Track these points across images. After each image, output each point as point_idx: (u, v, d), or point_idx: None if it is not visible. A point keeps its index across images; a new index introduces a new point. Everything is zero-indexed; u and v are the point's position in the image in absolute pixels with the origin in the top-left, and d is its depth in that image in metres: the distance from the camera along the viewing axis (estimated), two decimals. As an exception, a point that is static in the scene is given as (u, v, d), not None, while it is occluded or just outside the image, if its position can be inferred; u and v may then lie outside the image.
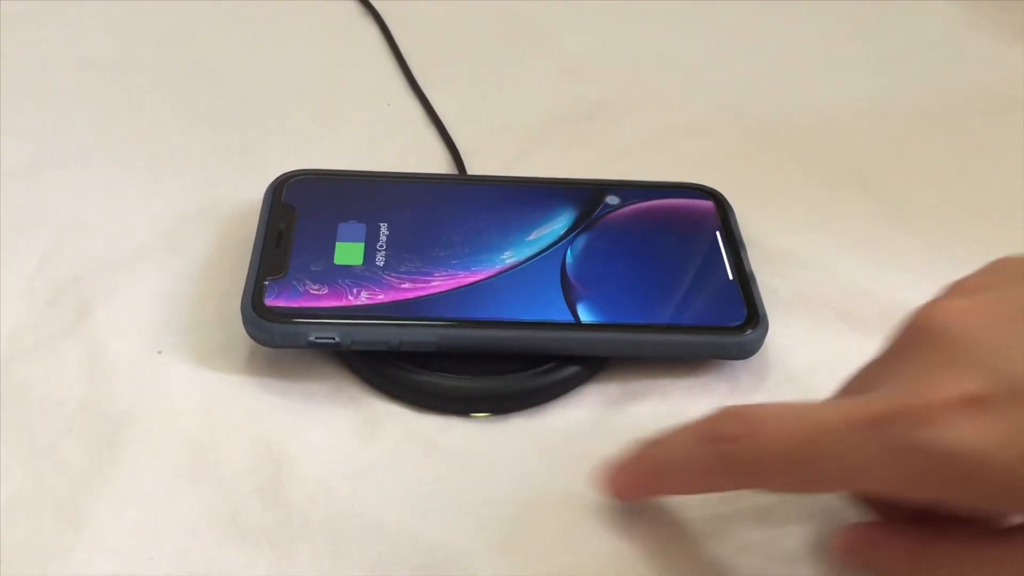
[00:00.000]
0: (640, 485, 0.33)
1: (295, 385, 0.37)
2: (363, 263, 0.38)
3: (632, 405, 0.37)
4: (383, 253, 0.38)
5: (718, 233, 0.41)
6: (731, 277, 0.39)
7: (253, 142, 0.47)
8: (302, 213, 0.40)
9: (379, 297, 0.37)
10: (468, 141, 0.48)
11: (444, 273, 0.38)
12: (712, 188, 0.43)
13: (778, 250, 0.43)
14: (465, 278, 0.38)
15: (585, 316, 0.37)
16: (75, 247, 0.41)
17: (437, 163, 0.47)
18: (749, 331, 0.37)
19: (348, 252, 0.38)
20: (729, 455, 0.29)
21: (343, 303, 0.36)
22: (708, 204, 0.42)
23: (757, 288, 0.39)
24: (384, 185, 0.42)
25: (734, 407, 0.30)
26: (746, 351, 0.38)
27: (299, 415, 0.36)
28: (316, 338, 0.36)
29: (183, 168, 0.46)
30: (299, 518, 0.33)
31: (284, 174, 0.42)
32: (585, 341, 0.37)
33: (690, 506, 0.34)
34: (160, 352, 0.37)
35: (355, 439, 0.35)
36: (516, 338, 0.37)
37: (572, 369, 0.37)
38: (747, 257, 0.40)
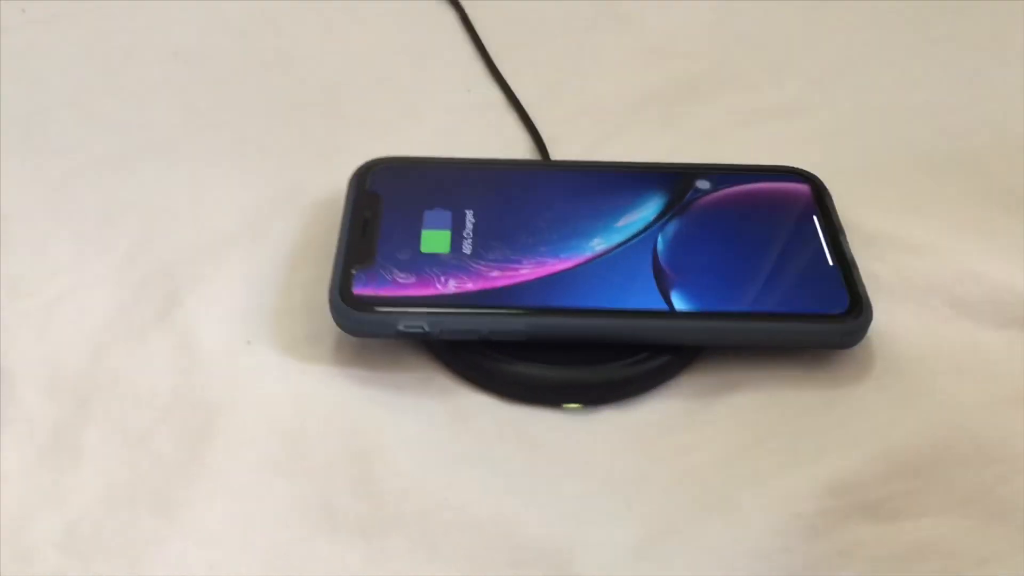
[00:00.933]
0: None
1: (383, 375, 0.36)
2: (450, 251, 0.37)
3: (729, 396, 0.36)
4: (470, 241, 0.38)
5: (815, 217, 0.39)
6: (831, 263, 0.38)
7: (335, 130, 0.47)
8: (387, 201, 0.39)
9: (467, 285, 0.36)
10: (550, 126, 0.47)
11: (532, 261, 0.37)
12: (808, 171, 0.41)
13: (878, 234, 0.41)
14: (554, 265, 0.37)
15: (679, 304, 0.36)
16: (163, 237, 0.41)
17: (519, 149, 0.46)
18: (852, 319, 0.36)
19: (435, 240, 0.38)
20: None
21: (431, 292, 0.36)
22: (804, 188, 0.41)
23: (859, 274, 0.37)
24: (469, 172, 0.41)
25: None
26: (849, 340, 0.36)
27: (388, 406, 0.35)
28: (405, 327, 0.35)
29: (267, 157, 0.45)
30: (391, 511, 0.32)
31: (368, 162, 0.41)
32: (680, 329, 0.36)
33: (800, 496, 0.33)
34: (249, 342, 0.37)
35: (446, 431, 0.35)
36: (609, 327, 0.36)
37: (666, 359, 0.36)
38: (847, 242, 0.38)
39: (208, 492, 0.33)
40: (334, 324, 0.36)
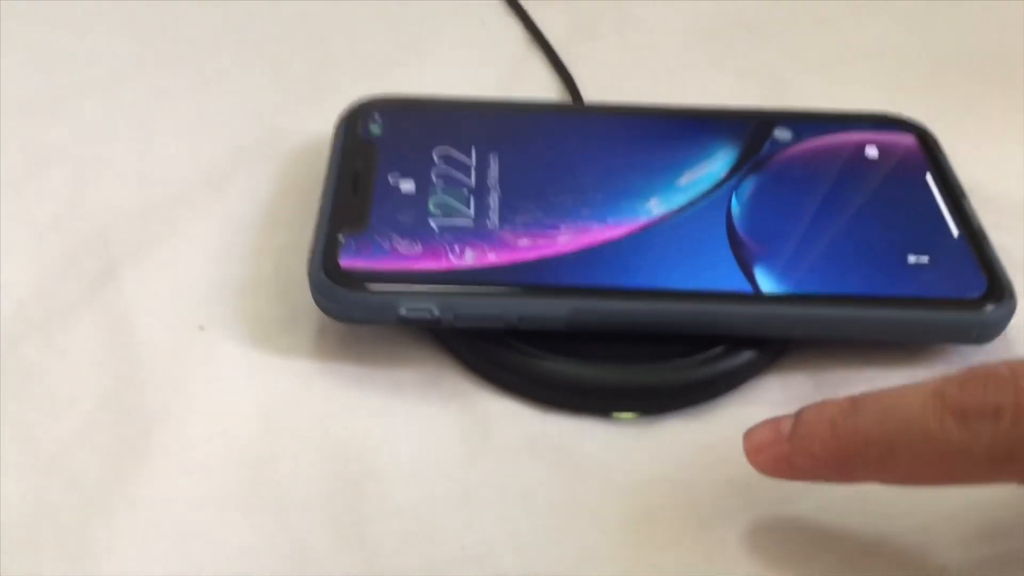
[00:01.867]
0: (827, 465, 0.23)
1: (379, 374, 0.28)
2: (468, 213, 0.29)
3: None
4: (494, 200, 0.29)
5: (928, 176, 0.31)
6: (955, 234, 0.29)
7: (319, 68, 0.39)
8: (385, 150, 0.31)
9: (490, 257, 0.28)
10: (582, 67, 0.39)
11: (573, 226, 0.29)
12: (914, 120, 0.33)
13: (1000, 196, 0.33)
14: (601, 233, 0.29)
15: (767, 285, 0.28)
16: (99, 193, 0.33)
17: (545, 92, 0.38)
18: (992, 305, 0.27)
19: (447, 198, 0.29)
20: (993, 437, 0.21)
21: (443, 265, 0.27)
22: (909, 140, 0.32)
23: (993, 248, 0.29)
24: (488, 115, 0.33)
25: (990, 367, 0.22)
26: (987, 332, 0.28)
27: (385, 416, 0.27)
28: (408, 311, 0.27)
29: (234, 96, 0.37)
30: (388, 564, 0.24)
31: (361, 101, 0.33)
32: (771, 317, 0.28)
33: (939, 545, 0.24)
34: (203, 328, 0.28)
35: (461, 448, 0.26)
36: (677, 313, 0.27)
37: (747, 355, 0.28)
38: (972, 208, 0.30)
39: (142, 532, 0.24)
40: (315, 306, 0.28)
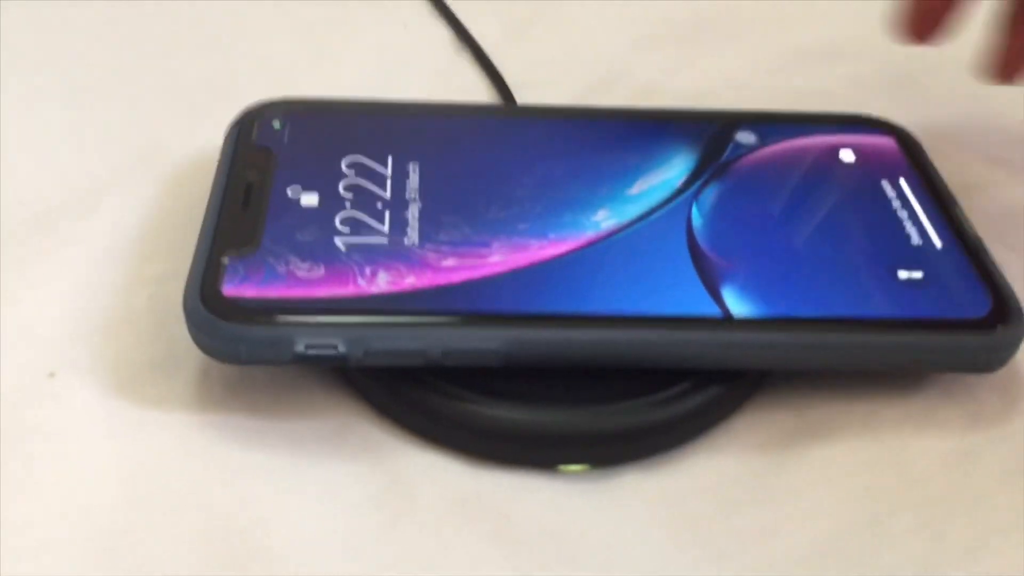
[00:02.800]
0: None
1: (274, 426, 0.23)
2: (382, 230, 0.24)
3: (817, 447, 0.24)
4: (413, 215, 0.25)
5: (913, 182, 0.27)
6: (949, 245, 0.25)
7: (216, 73, 0.34)
8: (284, 159, 0.26)
9: (408, 281, 0.23)
10: (517, 71, 0.34)
11: (508, 244, 0.24)
12: (891, 121, 0.29)
13: (990, 207, 0.29)
14: (540, 251, 0.24)
15: (738, 308, 0.23)
16: (-60, 216, 0.27)
17: (476, 98, 0.33)
18: (1000, 328, 0.23)
19: (358, 213, 0.25)
20: None
21: (351, 291, 0.22)
22: (888, 142, 0.29)
23: (994, 260, 0.25)
24: (408, 120, 0.28)
25: None
26: (996, 358, 0.24)
27: (280, 478, 0.22)
28: (308, 347, 0.22)
29: (113, 106, 0.32)
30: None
31: (255, 104, 0.28)
32: (745, 346, 0.23)
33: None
34: (53, 374, 0.23)
35: (376, 516, 0.22)
36: (634, 343, 0.23)
37: (716, 391, 0.23)
38: (966, 217, 0.26)
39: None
40: (195, 344, 0.22)
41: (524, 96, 0.33)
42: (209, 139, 0.28)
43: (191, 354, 0.23)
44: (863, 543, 0.22)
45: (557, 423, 0.23)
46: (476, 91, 0.34)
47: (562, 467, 0.23)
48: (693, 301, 0.23)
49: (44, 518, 0.21)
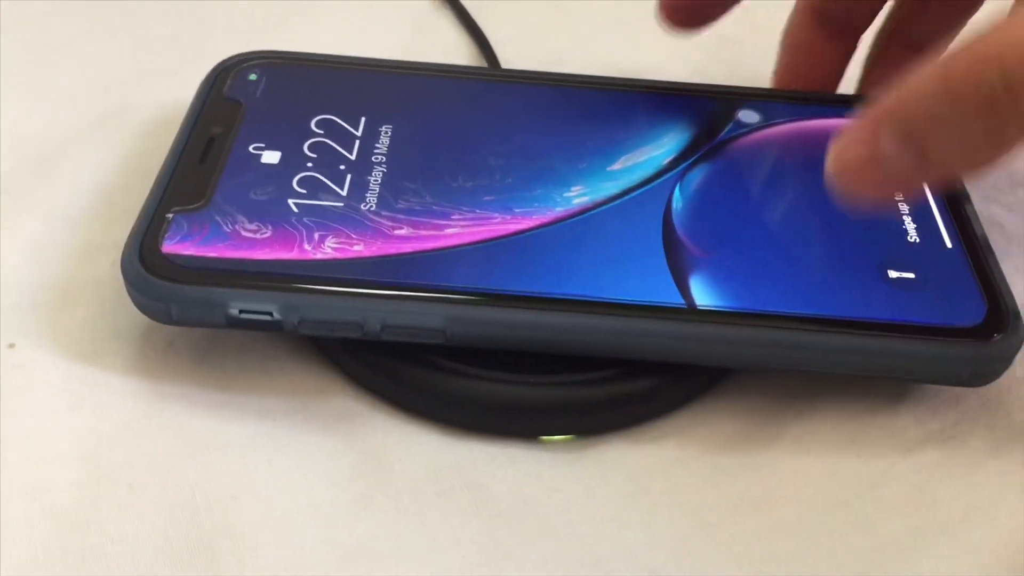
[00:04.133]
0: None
1: (243, 397, 0.22)
2: (339, 193, 0.23)
3: (806, 415, 0.23)
4: (375, 179, 0.23)
5: None
6: (948, 244, 0.24)
7: (185, 28, 0.32)
8: (253, 113, 0.25)
9: (356, 249, 0.22)
10: (499, 27, 0.33)
11: (469, 216, 0.23)
12: None
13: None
14: (502, 226, 0.23)
15: (704, 298, 0.22)
16: None
17: (456, 59, 0.32)
18: (997, 336, 0.22)
19: (317, 175, 0.23)
20: None
21: (293, 255, 0.21)
22: None
23: (997, 265, 0.23)
24: (387, 80, 0.27)
25: None
26: (987, 371, 0.22)
27: (250, 451, 0.21)
28: (242, 312, 0.21)
29: (77, 64, 0.31)
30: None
31: (232, 57, 0.27)
32: (705, 340, 0.22)
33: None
34: (12, 345, 0.22)
35: (351, 489, 0.21)
36: (583, 329, 0.21)
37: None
38: (975, 213, 0.24)
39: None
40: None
41: (506, 53, 0.32)
42: (176, 99, 0.27)
43: (157, 324, 0.22)
44: (853, 512, 0.21)
45: (540, 392, 0.22)
46: (458, 50, 0.33)
47: (544, 437, 0.22)
48: (655, 289, 0.22)
49: (4, 492, 0.20)
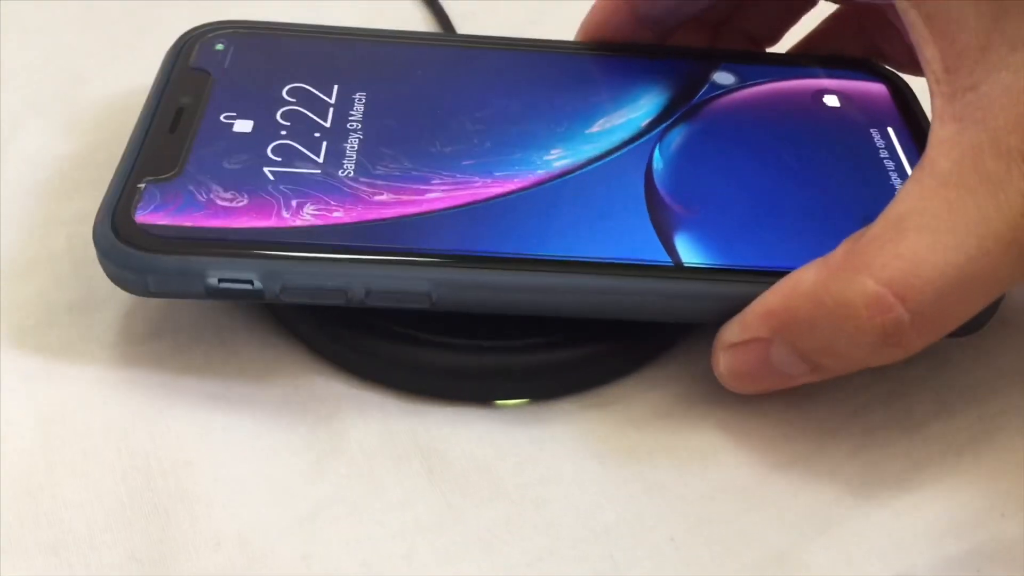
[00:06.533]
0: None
1: (199, 366, 0.22)
2: (316, 160, 0.23)
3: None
4: (352, 146, 0.24)
5: (901, 133, 0.26)
6: None
7: (141, 5, 0.32)
8: (222, 83, 0.25)
9: (336, 215, 0.22)
10: (461, 2, 0.33)
11: (450, 180, 0.23)
12: (884, 66, 0.28)
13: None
14: (484, 189, 0.23)
15: (690, 256, 0.22)
16: None
17: (414, 27, 0.32)
18: None
19: (292, 143, 0.23)
20: None
21: (272, 223, 0.22)
22: (879, 89, 0.27)
23: None
24: (358, 48, 0.27)
25: None
26: (969, 324, 0.22)
27: (205, 418, 0.21)
28: (221, 281, 0.21)
29: (32, 38, 0.30)
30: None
31: (198, 27, 0.26)
32: (692, 296, 0.22)
33: (907, 540, 0.20)
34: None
35: (306, 454, 0.21)
36: (571, 288, 0.22)
37: (652, 323, 0.23)
38: None
39: None
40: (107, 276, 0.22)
41: (465, 24, 0.32)
42: (133, 74, 0.27)
43: (112, 296, 0.22)
44: (803, 471, 0.22)
45: (494, 358, 0.22)
46: (415, 20, 0.33)
47: (499, 402, 0.23)
48: (641, 247, 0.22)
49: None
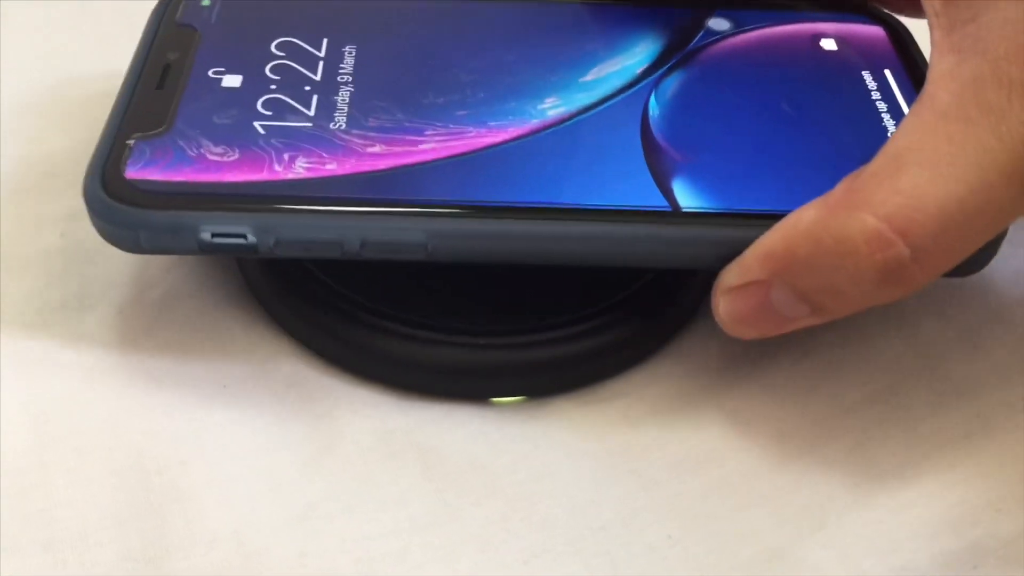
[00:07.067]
0: None
1: (193, 363, 0.22)
2: (307, 113, 0.23)
3: (754, 375, 0.23)
4: (343, 98, 0.23)
5: (898, 77, 0.25)
6: None
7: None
8: (209, 38, 0.25)
9: (329, 167, 0.22)
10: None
11: (443, 131, 0.23)
12: (883, 10, 0.27)
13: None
14: (478, 138, 0.23)
15: (688, 201, 0.22)
16: None
17: None
18: None
19: (282, 97, 0.23)
20: None
21: (264, 176, 0.21)
22: (877, 32, 0.27)
23: None
24: (348, 1, 0.26)
25: None
26: (971, 262, 0.22)
27: (200, 416, 0.21)
28: (215, 235, 0.20)
29: (16, 33, 0.30)
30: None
31: None
32: (692, 241, 0.22)
33: (904, 537, 0.20)
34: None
35: (301, 452, 0.21)
36: (571, 236, 0.21)
37: (649, 320, 0.23)
38: None
39: None
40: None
41: None
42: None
43: (106, 293, 0.22)
44: (799, 467, 0.21)
45: (490, 354, 0.22)
46: None
47: (495, 399, 0.22)
48: (639, 193, 0.22)
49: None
